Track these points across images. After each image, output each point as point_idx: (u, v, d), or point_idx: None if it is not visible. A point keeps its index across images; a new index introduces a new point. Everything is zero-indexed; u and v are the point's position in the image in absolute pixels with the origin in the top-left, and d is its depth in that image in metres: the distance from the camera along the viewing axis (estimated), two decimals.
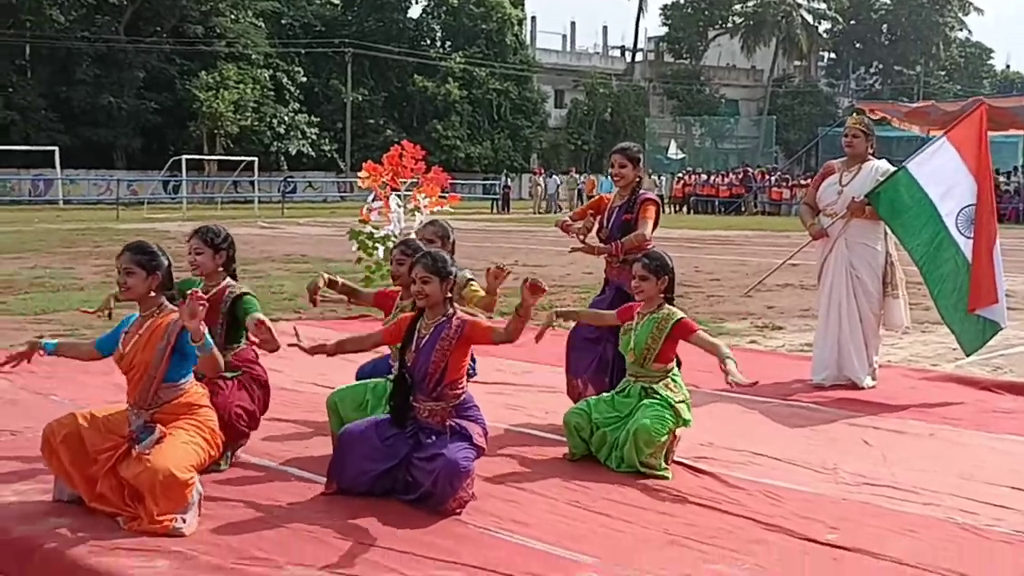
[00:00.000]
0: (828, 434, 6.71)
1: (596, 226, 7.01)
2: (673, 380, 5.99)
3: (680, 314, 5.94)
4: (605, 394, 6.13)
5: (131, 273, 4.98)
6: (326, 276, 6.27)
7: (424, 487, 5.00)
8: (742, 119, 71.09)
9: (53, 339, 5.36)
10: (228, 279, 5.81)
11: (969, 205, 8.02)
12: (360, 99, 57.20)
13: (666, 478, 5.59)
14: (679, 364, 6.12)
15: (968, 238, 7.98)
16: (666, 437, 5.71)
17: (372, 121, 57.72)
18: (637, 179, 6.80)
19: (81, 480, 4.82)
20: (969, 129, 8.28)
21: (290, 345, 5.22)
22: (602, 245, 6.85)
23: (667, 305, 5.99)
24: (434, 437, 5.13)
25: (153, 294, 5.02)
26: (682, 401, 5.92)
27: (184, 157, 44.17)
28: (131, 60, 50.35)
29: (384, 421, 5.24)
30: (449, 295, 5.24)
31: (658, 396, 5.86)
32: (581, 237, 6.92)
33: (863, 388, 8.04)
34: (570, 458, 5.95)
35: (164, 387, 4.89)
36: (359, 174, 12.73)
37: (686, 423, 5.93)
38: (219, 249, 5.78)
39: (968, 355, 8.44)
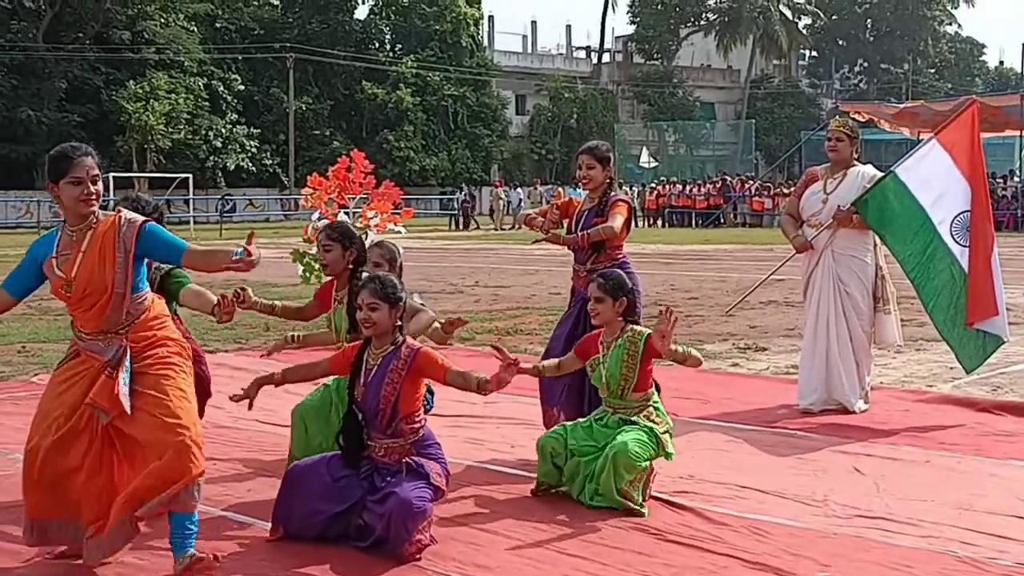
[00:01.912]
0: (817, 463, 6.74)
1: (564, 230, 7.00)
2: (655, 409, 6.00)
3: (647, 330, 5.95)
4: (583, 419, 6.13)
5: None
6: (291, 336, 6.44)
7: (377, 531, 4.97)
8: (719, 124, 71.63)
9: None
10: None
11: (963, 212, 8.11)
12: (304, 108, 57.11)
13: (642, 514, 5.59)
14: (658, 389, 6.13)
15: (964, 247, 8.06)
16: (647, 464, 5.72)
17: (317, 132, 57.63)
18: (608, 180, 6.80)
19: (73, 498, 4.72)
20: (961, 130, 8.38)
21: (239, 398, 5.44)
22: (567, 235, 6.86)
23: (631, 326, 6.00)
24: (390, 478, 5.10)
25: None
26: (665, 432, 5.93)
27: (112, 175, 43.77)
28: (51, 69, 50.04)
29: (336, 457, 5.21)
30: (399, 323, 5.24)
31: (639, 425, 5.86)
32: (546, 229, 6.90)
33: (854, 412, 8.08)
34: (536, 490, 5.95)
35: (133, 301, 4.75)
36: (303, 190, 12.73)
37: (668, 456, 5.94)
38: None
39: (968, 372, 8.51)
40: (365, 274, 5.65)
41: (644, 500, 5.73)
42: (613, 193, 6.83)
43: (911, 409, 8.33)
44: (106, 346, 4.67)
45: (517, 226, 45.89)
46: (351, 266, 6.02)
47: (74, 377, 4.72)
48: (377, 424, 5.16)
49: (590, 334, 6.15)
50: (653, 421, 5.92)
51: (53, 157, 4.65)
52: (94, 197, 4.67)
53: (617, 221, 6.63)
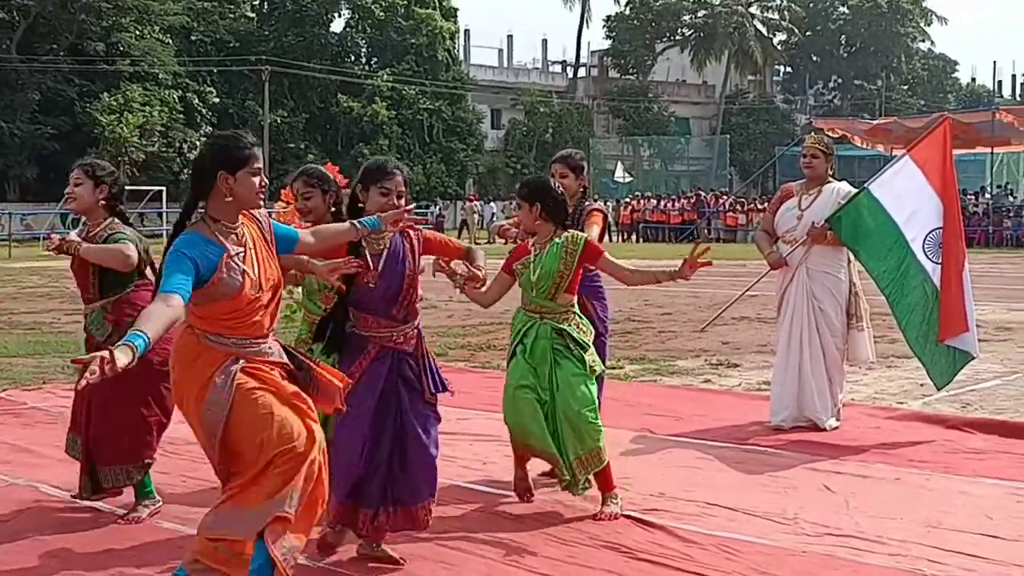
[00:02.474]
0: (788, 481, 6.76)
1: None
2: (579, 317, 6.05)
3: (585, 235, 6.05)
4: (518, 359, 5.97)
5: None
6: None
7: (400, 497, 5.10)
8: (693, 139, 71.86)
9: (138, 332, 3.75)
10: (114, 219, 6.00)
11: (936, 228, 8.16)
12: (279, 121, 57.00)
13: (581, 495, 5.93)
14: (600, 381, 6.37)
15: (936, 263, 8.12)
16: (598, 415, 5.91)
17: (292, 145, 57.52)
18: (581, 189, 6.80)
19: None
20: (933, 147, 8.45)
21: None
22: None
23: (569, 231, 6.06)
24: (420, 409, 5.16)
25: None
26: (590, 351, 5.99)
27: None
28: (24, 81, 49.76)
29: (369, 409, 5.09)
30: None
31: (572, 351, 5.89)
32: (521, 240, 6.89)
33: (825, 429, 8.11)
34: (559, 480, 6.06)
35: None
36: (277, 204, 12.67)
37: (599, 379, 6.19)
38: (100, 182, 5.94)
39: (939, 388, 8.56)
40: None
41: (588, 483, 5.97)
42: (588, 203, 6.84)
43: (882, 426, 8.38)
44: (273, 348, 4.32)
45: (491, 239, 45.94)
46: (332, 210, 5.80)
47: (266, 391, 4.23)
48: (396, 311, 5.17)
49: (517, 247, 6.16)
50: (581, 331, 5.96)
51: (226, 146, 4.23)
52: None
53: (593, 231, 6.62)
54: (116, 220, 5.99)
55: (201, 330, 4.17)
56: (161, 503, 6.07)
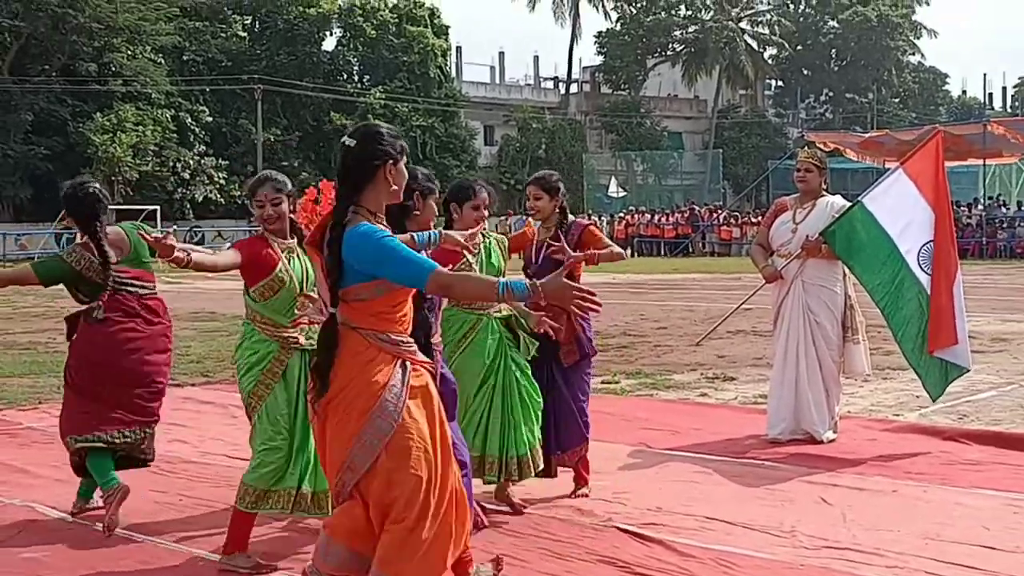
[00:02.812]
0: (785, 494, 6.76)
1: (523, 263, 6.97)
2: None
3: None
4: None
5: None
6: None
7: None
8: (686, 153, 71.98)
9: None
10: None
11: (930, 241, 8.19)
12: (272, 139, 57.07)
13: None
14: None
15: (930, 275, 8.14)
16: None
17: (286, 163, 57.48)
18: (556, 210, 6.79)
19: None
20: (926, 159, 8.48)
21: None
22: (578, 254, 6.43)
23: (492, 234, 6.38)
24: None
25: None
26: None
27: None
28: (17, 102, 49.76)
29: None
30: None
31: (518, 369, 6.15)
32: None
33: (822, 442, 8.11)
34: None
35: None
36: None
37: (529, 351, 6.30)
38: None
39: (934, 399, 8.56)
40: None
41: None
42: (575, 221, 6.85)
43: (878, 438, 8.37)
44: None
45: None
46: (291, 214, 5.73)
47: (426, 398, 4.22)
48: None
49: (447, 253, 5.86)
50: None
51: (386, 137, 4.18)
52: None
53: (614, 246, 6.68)
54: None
55: (369, 329, 4.07)
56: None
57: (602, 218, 49.82)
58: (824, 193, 8.45)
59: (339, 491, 4.06)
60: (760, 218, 35.73)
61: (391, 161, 4.13)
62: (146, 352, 6.16)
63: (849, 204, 8.34)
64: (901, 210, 8.27)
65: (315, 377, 4.08)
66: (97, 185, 6.48)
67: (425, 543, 3.96)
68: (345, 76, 62.94)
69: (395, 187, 4.16)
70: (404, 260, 3.94)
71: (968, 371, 8.46)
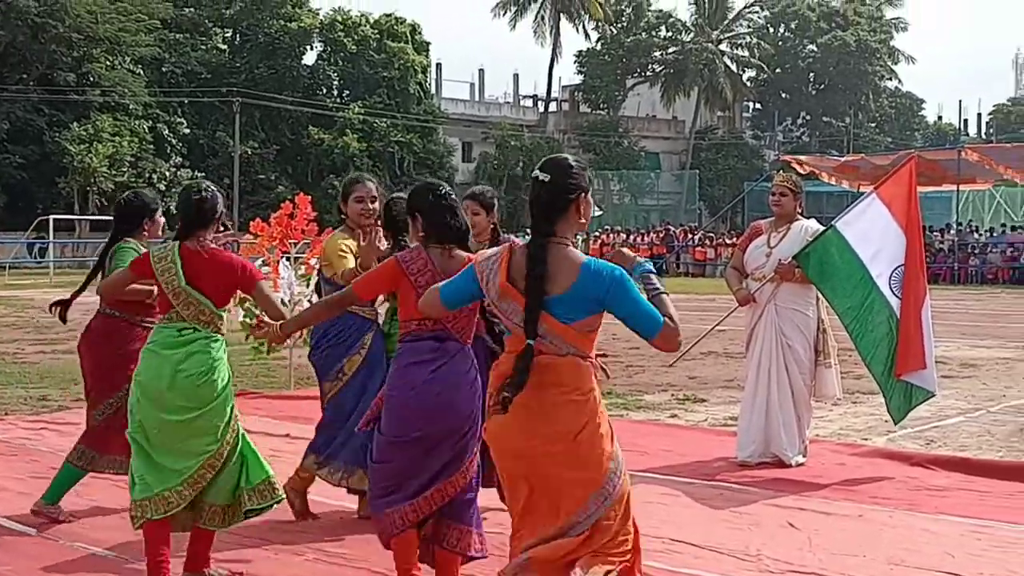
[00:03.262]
0: (751, 517, 6.78)
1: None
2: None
3: None
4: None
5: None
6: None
7: None
8: (663, 174, 72.24)
9: None
10: None
11: (901, 265, 8.25)
12: (250, 152, 56.97)
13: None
14: None
15: (901, 299, 8.20)
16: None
17: (263, 176, 57.46)
18: (492, 226, 6.86)
19: None
20: (899, 184, 8.55)
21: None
22: None
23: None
24: None
25: None
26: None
27: (52, 217, 43.44)
28: None
29: None
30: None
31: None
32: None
33: (791, 466, 8.13)
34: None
35: None
36: (247, 236, 12.65)
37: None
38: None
39: (896, 423, 8.60)
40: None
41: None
42: (507, 238, 6.97)
43: (846, 462, 8.40)
44: None
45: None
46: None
47: None
48: None
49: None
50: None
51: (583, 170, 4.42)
52: None
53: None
54: None
55: (588, 358, 4.26)
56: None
57: (577, 236, 49.81)
58: (799, 217, 8.50)
59: (573, 525, 4.08)
60: (735, 239, 35.85)
61: (583, 193, 4.26)
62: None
63: (823, 228, 8.39)
64: (874, 234, 8.33)
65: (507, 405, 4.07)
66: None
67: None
68: (324, 90, 62.93)
69: (584, 219, 4.30)
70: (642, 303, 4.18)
71: (934, 395, 8.51)
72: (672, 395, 12.04)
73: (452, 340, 4.86)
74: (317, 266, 11.90)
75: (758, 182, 48.86)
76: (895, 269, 8.24)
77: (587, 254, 4.06)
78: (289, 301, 11.62)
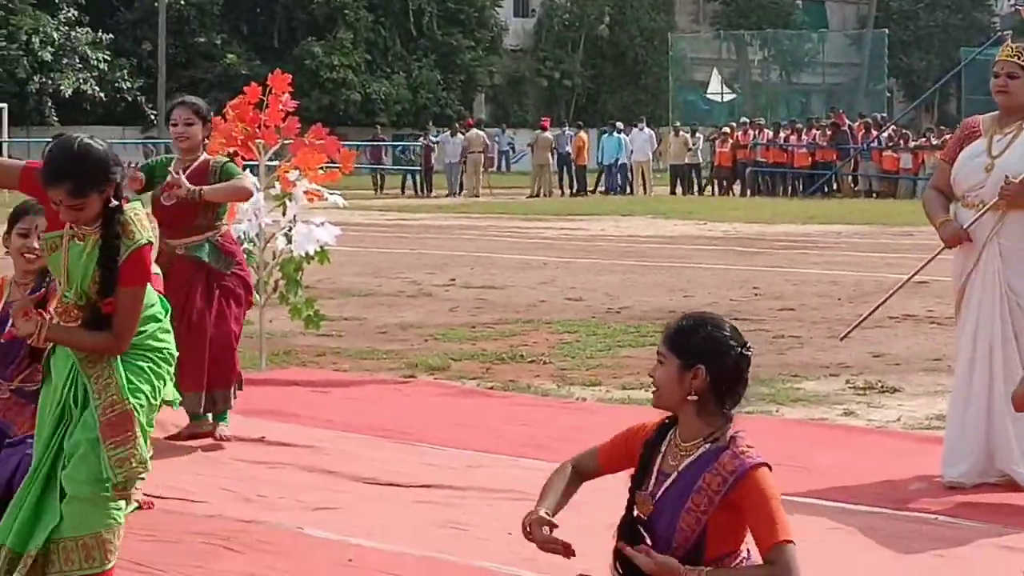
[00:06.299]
0: (968, 562, 6.93)
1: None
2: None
3: None
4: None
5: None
6: None
7: None
8: (832, 35, 71.52)
9: None
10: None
11: None
12: (182, 3, 56.98)
13: None
14: None
15: None
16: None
17: (203, 40, 57.45)
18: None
19: None
20: None
21: None
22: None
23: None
24: None
25: None
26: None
27: None
28: None
29: None
30: None
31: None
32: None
33: None
34: None
35: None
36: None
37: None
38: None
39: None
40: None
41: None
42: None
43: None
44: None
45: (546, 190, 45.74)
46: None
47: None
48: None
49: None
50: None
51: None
52: None
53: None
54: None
55: None
56: None
57: (696, 133, 49.62)
58: None
59: None
60: (944, 140, 34.99)
61: None
62: None
63: None
64: None
65: None
66: None
67: None
68: None
69: None
70: None
71: None
72: (846, 382, 12.05)
73: None
74: (301, 184, 12.13)
75: (982, 48, 48.31)
76: None
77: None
78: (257, 236, 11.66)
